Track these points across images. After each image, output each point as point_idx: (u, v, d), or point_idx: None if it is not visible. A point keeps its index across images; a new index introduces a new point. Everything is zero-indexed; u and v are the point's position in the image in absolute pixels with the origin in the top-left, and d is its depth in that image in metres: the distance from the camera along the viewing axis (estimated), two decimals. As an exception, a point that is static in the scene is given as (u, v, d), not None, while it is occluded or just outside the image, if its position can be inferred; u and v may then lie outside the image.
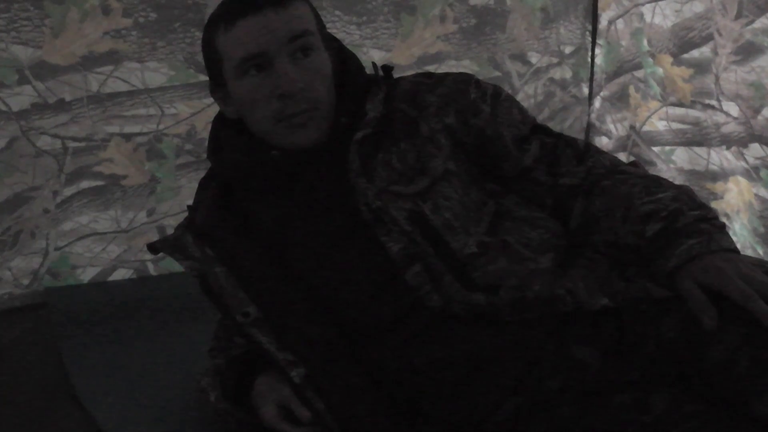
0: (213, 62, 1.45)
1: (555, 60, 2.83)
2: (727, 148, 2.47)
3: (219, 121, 1.52)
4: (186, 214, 1.54)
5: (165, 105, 2.31)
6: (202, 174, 1.59)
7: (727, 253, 1.27)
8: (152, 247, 1.49)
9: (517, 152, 1.46)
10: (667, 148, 2.68)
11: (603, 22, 2.82)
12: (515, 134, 1.46)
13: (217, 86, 1.48)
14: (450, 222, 1.37)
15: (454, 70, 1.66)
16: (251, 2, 1.38)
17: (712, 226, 1.30)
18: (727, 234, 1.31)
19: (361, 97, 1.45)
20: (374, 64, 1.51)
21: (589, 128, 2.93)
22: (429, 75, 1.51)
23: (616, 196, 1.38)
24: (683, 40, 2.54)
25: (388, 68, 1.51)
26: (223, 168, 1.50)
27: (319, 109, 1.41)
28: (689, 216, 1.31)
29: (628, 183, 1.40)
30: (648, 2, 2.63)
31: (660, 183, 1.40)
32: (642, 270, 1.35)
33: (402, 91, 1.47)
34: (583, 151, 1.47)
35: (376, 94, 1.45)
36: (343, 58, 1.48)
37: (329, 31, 1.50)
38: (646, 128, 2.74)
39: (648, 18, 2.64)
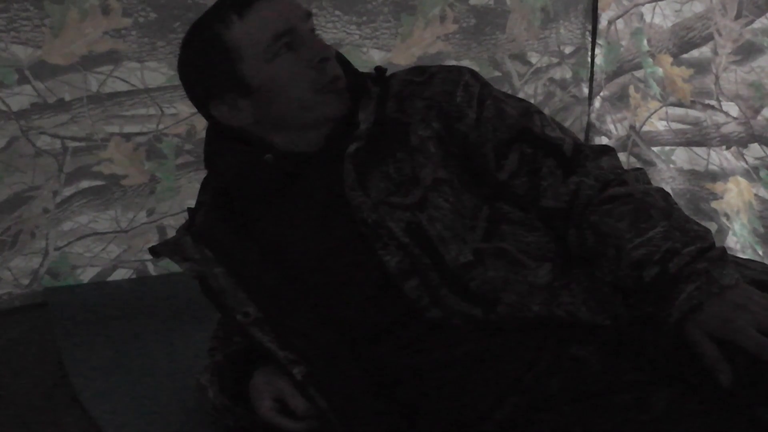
0: (220, 63, 1.41)
1: (555, 60, 2.84)
2: (727, 148, 2.47)
3: (213, 131, 1.50)
4: (186, 214, 1.54)
5: (165, 105, 2.31)
6: (202, 174, 1.59)
7: (731, 292, 1.23)
8: (153, 251, 1.48)
9: (495, 163, 1.41)
10: (667, 148, 2.68)
11: (603, 22, 2.82)
12: (498, 140, 1.42)
13: (223, 92, 1.43)
14: (441, 233, 1.35)
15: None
16: None
17: (709, 263, 1.25)
18: (727, 265, 1.26)
19: (352, 100, 1.44)
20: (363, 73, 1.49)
21: (589, 128, 2.93)
22: (421, 71, 1.48)
23: (604, 235, 1.33)
24: (683, 40, 2.54)
25: (381, 70, 1.48)
26: (219, 174, 1.49)
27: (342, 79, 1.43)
28: (684, 255, 1.26)
29: (615, 215, 1.33)
30: (648, 2, 2.63)
31: (649, 215, 1.31)
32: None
33: (393, 94, 1.45)
34: (570, 157, 1.40)
35: (368, 103, 1.43)
36: None
37: (329, 30, 1.50)
38: (646, 128, 2.74)
39: (648, 18, 2.64)
